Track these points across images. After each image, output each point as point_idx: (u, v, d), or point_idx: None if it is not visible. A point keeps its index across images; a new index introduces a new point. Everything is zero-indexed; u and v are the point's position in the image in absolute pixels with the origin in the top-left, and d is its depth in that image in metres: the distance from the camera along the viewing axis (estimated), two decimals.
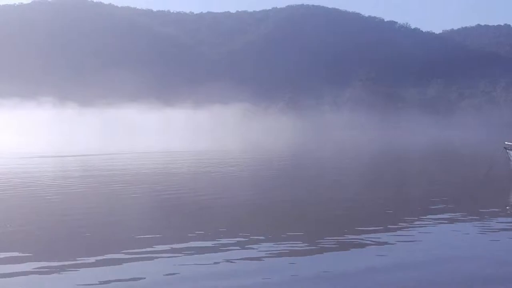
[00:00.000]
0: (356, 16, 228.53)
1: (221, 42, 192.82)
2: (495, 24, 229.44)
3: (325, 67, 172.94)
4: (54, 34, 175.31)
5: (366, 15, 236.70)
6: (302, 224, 11.93)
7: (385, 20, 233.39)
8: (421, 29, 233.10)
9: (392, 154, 42.51)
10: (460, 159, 37.53)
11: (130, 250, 9.35)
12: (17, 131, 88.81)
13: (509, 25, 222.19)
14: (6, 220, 12.14)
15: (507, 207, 14.21)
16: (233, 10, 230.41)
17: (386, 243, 9.93)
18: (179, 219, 12.63)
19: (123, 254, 9.07)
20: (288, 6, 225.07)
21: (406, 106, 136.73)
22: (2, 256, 8.96)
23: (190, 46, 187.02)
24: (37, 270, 8.23)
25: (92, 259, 8.74)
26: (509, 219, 12.63)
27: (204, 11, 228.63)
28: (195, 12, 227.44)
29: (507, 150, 22.03)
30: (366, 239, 10.21)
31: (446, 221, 12.03)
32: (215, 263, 8.59)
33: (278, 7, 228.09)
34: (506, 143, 22.48)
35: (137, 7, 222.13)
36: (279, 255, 9.04)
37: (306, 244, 9.85)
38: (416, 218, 12.39)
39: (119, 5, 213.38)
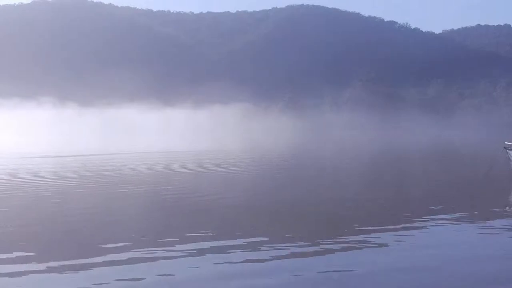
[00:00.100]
0: (356, 16, 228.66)
1: (221, 42, 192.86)
2: (495, 24, 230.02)
3: (325, 67, 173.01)
4: (54, 34, 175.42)
5: (366, 15, 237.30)
6: (302, 224, 11.93)
7: (385, 20, 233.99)
8: (421, 29, 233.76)
9: (392, 154, 42.50)
10: (460, 159, 37.53)
11: (130, 250, 9.35)
12: (17, 131, 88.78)
13: (509, 25, 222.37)
14: (6, 220, 12.14)
15: (507, 207, 14.21)
16: (233, 10, 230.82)
17: (386, 243, 9.93)
18: (179, 219, 12.62)
19: (123, 255, 9.07)
20: (288, 6, 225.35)
21: (406, 106, 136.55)
22: (2, 256, 8.96)
23: (190, 46, 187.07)
24: (37, 270, 8.23)
25: (92, 260, 8.73)
26: (509, 219, 12.63)
27: (204, 11, 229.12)
28: (195, 12, 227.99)
29: (507, 150, 22.02)
30: (366, 239, 10.21)
31: (446, 221, 12.03)
32: (216, 264, 8.58)
33: (278, 7, 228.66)
34: (506, 143, 22.47)
35: (137, 7, 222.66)
36: (279, 256, 9.02)
37: (307, 244, 9.85)
38: (416, 218, 12.39)
39: (119, 5, 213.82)
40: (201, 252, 9.28)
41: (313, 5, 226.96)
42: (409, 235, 10.60)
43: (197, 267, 8.44)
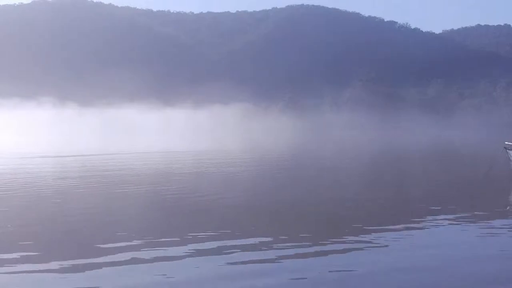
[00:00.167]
0: (356, 16, 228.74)
1: (221, 42, 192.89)
2: (495, 24, 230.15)
3: (325, 67, 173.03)
4: (54, 34, 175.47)
5: (366, 15, 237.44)
6: (302, 224, 11.92)
7: (385, 20, 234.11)
8: (421, 29, 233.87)
9: (392, 154, 42.50)
10: (460, 159, 37.53)
11: (130, 251, 9.35)
12: (17, 131, 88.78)
13: (509, 25, 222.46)
14: (6, 220, 12.14)
15: (507, 207, 14.21)
16: (233, 10, 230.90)
17: (386, 243, 9.93)
18: (180, 219, 12.62)
19: (123, 255, 9.06)
20: (288, 6, 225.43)
21: (406, 106, 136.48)
22: (2, 256, 8.95)
23: (190, 46, 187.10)
24: (37, 270, 8.23)
25: (92, 260, 8.73)
26: (509, 219, 12.64)
27: (204, 11, 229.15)
28: (195, 12, 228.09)
29: (507, 150, 22.02)
30: (366, 239, 10.21)
31: (446, 221, 12.03)
32: (216, 264, 8.58)
33: (278, 7, 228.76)
34: (506, 143, 22.47)
35: (137, 7, 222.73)
36: (280, 256, 9.02)
37: (307, 244, 9.85)
38: (416, 218, 12.39)
39: (119, 5, 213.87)
40: (201, 252, 9.28)
41: (313, 5, 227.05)
42: (409, 235, 10.60)
43: (197, 268, 8.44)
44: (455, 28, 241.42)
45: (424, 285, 7.57)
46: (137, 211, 13.74)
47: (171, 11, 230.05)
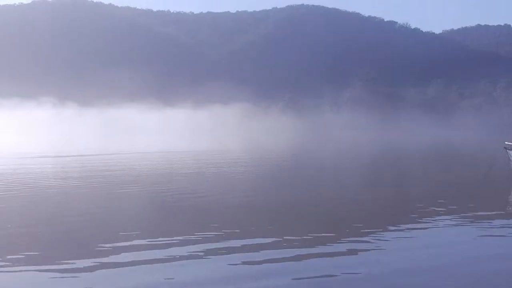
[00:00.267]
0: (356, 16, 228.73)
1: (221, 42, 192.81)
2: (495, 24, 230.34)
3: (325, 67, 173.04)
4: (54, 34, 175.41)
5: (366, 15, 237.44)
6: (302, 225, 11.93)
7: (385, 20, 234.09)
8: (421, 29, 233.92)
9: (392, 154, 42.51)
10: (460, 159, 37.53)
11: (130, 251, 9.35)
12: (17, 131, 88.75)
13: (509, 25, 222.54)
14: (6, 220, 12.15)
15: (507, 207, 14.22)
16: (233, 10, 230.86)
17: (386, 243, 9.94)
18: (180, 220, 12.63)
19: (123, 255, 9.07)
20: (288, 6, 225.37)
21: (406, 106, 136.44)
22: (2, 256, 8.96)
23: (190, 46, 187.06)
24: (37, 270, 8.24)
25: (92, 260, 8.73)
26: (509, 219, 12.65)
27: (204, 11, 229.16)
28: (195, 12, 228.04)
29: (507, 150, 22.03)
30: (366, 239, 10.22)
31: (446, 221, 12.04)
32: (216, 265, 8.59)
33: (278, 7, 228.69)
34: (506, 143, 22.48)
35: (137, 7, 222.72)
36: (280, 257, 9.01)
37: (307, 245, 9.85)
38: (416, 218, 12.39)
39: (119, 5, 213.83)
40: (201, 253, 9.27)
41: (313, 5, 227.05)
42: (409, 235, 10.61)
43: (198, 269, 8.44)
44: (455, 28, 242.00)
45: (424, 285, 7.57)
46: (138, 211, 13.74)
47: (171, 11, 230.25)
